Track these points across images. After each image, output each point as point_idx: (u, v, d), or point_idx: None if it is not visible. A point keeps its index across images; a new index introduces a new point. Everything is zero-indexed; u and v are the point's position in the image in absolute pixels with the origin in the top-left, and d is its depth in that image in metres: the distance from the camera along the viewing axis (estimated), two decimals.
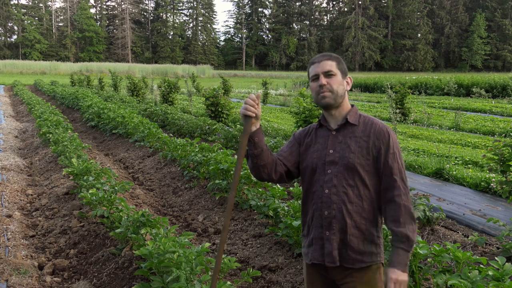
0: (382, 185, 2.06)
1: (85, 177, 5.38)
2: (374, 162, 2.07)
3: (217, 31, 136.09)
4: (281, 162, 2.20)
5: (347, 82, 2.15)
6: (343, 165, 2.05)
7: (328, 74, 2.08)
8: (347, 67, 2.20)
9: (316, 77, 2.10)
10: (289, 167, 2.21)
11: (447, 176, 6.98)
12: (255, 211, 5.20)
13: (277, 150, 6.96)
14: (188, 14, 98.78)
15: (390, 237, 2.05)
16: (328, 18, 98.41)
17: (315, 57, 2.16)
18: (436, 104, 20.64)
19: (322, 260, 2.08)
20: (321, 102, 2.09)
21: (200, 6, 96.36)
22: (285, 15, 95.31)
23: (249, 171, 5.42)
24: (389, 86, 15.27)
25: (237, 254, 4.36)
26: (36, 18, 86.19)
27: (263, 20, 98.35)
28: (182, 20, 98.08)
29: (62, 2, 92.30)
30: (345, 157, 2.06)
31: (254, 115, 2.05)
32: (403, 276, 1.96)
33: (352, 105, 2.17)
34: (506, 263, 2.86)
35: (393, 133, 2.10)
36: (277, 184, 5.32)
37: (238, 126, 9.52)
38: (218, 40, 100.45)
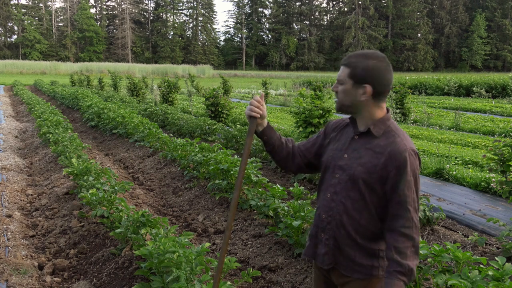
0: (391, 211, 1.88)
1: (85, 177, 5.38)
2: (381, 182, 1.89)
3: (217, 31, 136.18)
4: (302, 154, 2.18)
5: (363, 91, 1.91)
6: (348, 174, 1.95)
7: (339, 82, 1.99)
8: None
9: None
10: (310, 158, 2.17)
11: (447, 176, 6.98)
12: (255, 211, 5.20)
13: None
14: (188, 14, 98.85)
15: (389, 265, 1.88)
16: (328, 18, 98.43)
17: (346, 57, 2.02)
18: (436, 104, 20.64)
19: (313, 258, 2.08)
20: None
21: (200, 6, 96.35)
22: (285, 15, 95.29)
23: (249, 171, 5.45)
24: None
25: (237, 254, 4.36)
26: (36, 18, 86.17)
27: (263, 20, 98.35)
28: (182, 20, 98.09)
29: (62, 2, 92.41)
30: (352, 168, 1.94)
31: (259, 115, 2.07)
32: None
33: (387, 110, 1.99)
34: (506, 263, 2.86)
35: (414, 157, 1.88)
36: (277, 184, 5.32)
37: (238, 126, 9.52)
38: (218, 40, 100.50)
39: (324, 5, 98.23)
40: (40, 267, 4.13)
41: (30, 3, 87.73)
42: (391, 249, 1.85)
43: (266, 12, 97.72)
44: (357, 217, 1.93)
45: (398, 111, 13.03)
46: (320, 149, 2.16)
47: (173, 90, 17.40)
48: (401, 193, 1.85)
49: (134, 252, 3.76)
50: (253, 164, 5.71)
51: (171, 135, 9.87)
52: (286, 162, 2.19)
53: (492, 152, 5.10)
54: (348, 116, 2.09)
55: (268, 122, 2.16)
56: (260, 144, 7.93)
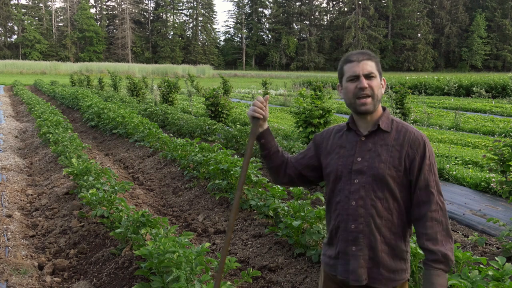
0: (415, 199, 1.88)
1: (85, 177, 5.38)
2: (406, 173, 1.88)
3: (217, 31, 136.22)
4: (293, 165, 2.12)
5: (382, 84, 1.96)
6: (372, 175, 1.88)
7: (369, 77, 1.89)
8: None
9: (354, 78, 1.90)
10: (300, 170, 2.11)
11: (447, 176, 6.98)
12: (255, 211, 5.21)
13: None
14: (188, 14, 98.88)
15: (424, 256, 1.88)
16: (328, 18, 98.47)
17: (352, 54, 1.95)
18: (436, 104, 20.65)
19: (346, 277, 1.92)
20: (359, 108, 1.90)
21: (200, 6, 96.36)
22: (285, 15, 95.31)
23: (249, 171, 5.45)
24: (389, 86, 15.26)
25: (237, 254, 4.36)
26: (36, 18, 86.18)
27: (263, 20, 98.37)
28: (182, 20, 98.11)
29: (62, 2, 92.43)
30: (375, 167, 1.88)
31: (261, 116, 2.03)
32: None
33: (384, 109, 1.99)
34: (506, 263, 2.86)
35: (429, 142, 1.92)
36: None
37: (238, 126, 9.52)
38: (218, 40, 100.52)
39: (324, 5, 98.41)
40: (40, 267, 4.13)
41: (30, 3, 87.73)
42: (422, 237, 1.84)
43: (266, 12, 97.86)
44: (389, 217, 1.89)
45: (398, 111, 13.01)
46: (311, 161, 2.11)
47: (173, 90, 17.41)
48: (423, 177, 1.86)
49: (134, 252, 3.76)
50: (253, 164, 5.72)
51: (171, 135, 9.87)
52: (279, 171, 2.13)
53: (492, 152, 5.10)
54: (341, 122, 2.07)
55: (268, 127, 2.13)
56: None
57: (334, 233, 1.98)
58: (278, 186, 5.05)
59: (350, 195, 1.91)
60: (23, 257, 4.22)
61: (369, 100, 1.89)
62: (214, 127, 10.31)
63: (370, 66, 1.90)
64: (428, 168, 1.87)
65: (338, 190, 1.96)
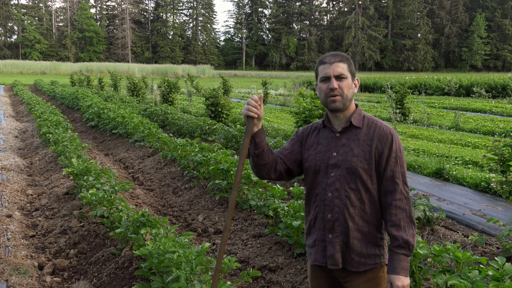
0: (383, 188, 2.05)
1: (85, 177, 5.38)
2: (376, 166, 2.04)
3: (217, 31, 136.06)
4: (281, 161, 2.20)
5: (355, 84, 2.11)
6: (345, 168, 2.04)
7: (340, 78, 2.04)
8: None
9: (326, 79, 2.06)
10: (289, 165, 2.21)
11: (447, 176, 6.98)
12: (255, 211, 5.21)
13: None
14: (188, 14, 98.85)
15: (389, 241, 2.05)
16: (328, 18, 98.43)
17: (326, 56, 2.10)
18: (436, 104, 20.64)
19: (324, 262, 2.09)
20: (330, 105, 2.06)
21: (200, 6, 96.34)
22: (285, 15, 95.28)
23: (249, 171, 5.45)
24: (389, 86, 15.25)
25: (237, 254, 4.36)
26: (36, 18, 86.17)
27: (263, 20, 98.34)
28: (182, 20, 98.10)
29: (62, 2, 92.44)
30: (348, 161, 2.04)
31: (256, 116, 2.07)
32: (407, 281, 1.98)
33: (356, 106, 2.14)
34: (506, 263, 2.86)
35: (397, 136, 2.08)
36: (277, 184, 5.33)
37: (238, 126, 9.52)
38: (218, 40, 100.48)
39: (324, 5, 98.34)
40: (40, 267, 4.13)
41: (30, 3, 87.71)
42: (387, 223, 2.03)
43: (266, 12, 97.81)
44: (362, 207, 2.04)
45: (398, 111, 13.00)
46: (298, 156, 2.21)
47: (173, 90, 17.41)
48: (389, 169, 2.04)
49: (134, 252, 3.76)
50: None
51: (171, 135, 9.88)
52: (270, 168, 2.19)
53: (492, 152, 5.10)
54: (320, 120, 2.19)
55: (262, 125, 2.17)
56: None
57: (312, 223, 2.15)
58: (278, 186, 5.05)
59: (326, 187, 2.07)
60: (23, 257, 4.22)
61: (338, 98, 2.04)
62: (214, 127, 10.31)
63: (341, 68, 2.04)
64: (394, 160, 2.04)
65: (317, 183, 2.12)
